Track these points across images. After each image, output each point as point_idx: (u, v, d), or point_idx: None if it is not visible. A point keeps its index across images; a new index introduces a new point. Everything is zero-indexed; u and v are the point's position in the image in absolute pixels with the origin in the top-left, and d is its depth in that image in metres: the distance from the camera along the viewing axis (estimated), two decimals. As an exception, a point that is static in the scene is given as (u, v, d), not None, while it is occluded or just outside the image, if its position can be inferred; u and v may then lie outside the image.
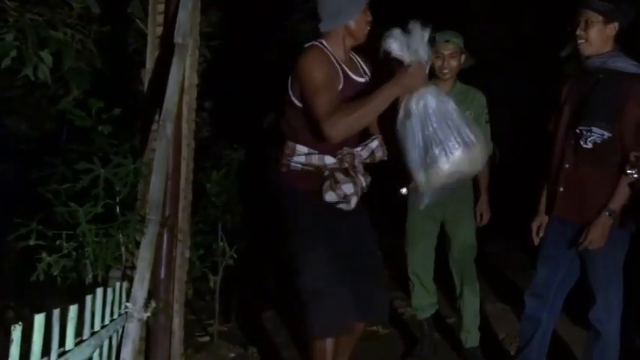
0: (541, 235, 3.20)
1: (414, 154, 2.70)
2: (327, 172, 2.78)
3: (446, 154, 2.65)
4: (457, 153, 2.66)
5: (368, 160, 2.89)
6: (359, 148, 2.86)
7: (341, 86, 2.76)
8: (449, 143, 2.65)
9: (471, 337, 3.72)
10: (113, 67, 3.76)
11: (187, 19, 2.88)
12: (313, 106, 2.65)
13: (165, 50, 2.95)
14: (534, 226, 3.23)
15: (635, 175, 2.83)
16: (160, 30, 3.02)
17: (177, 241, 2.95)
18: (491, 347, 3.88)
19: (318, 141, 2.74)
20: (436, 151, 2.66)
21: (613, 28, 2.95)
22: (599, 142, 2.89)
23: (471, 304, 3.70)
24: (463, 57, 3.59)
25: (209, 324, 4.11)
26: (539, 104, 3.47)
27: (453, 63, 3.55)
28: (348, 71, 2.84)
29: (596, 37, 2.96)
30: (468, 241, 3.68)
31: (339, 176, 2.76)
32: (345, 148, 2.81)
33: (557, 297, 3.16)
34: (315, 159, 2.81)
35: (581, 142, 2.92)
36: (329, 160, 2.80)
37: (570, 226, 3.04)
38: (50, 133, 4.68)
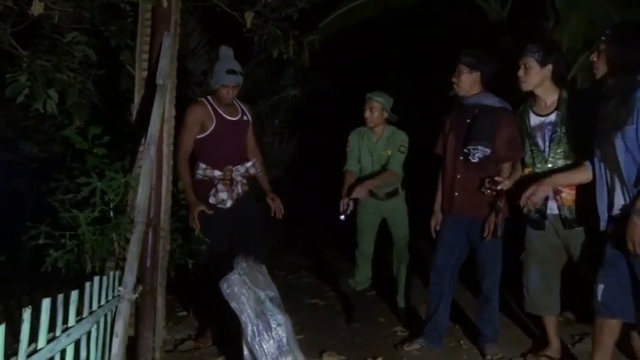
0: (438, 229, 3.26)
1: None
2: (215, 182, 3.25)
3: None
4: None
5: (245, 174, 3.35)
6: (238, 166, 3.31)
7: (215, 122, 3.25)
8: None
9: (402, 300, 3.84)
10: (108, 102, 3.67)
11: (167, 65, 2.85)
12: (178, 136, 3.14)
13: (149, 89, 2.91)
14: (432, 222, 3.29)
15: (489, 192, 2.97)
16: (145, 73, 2.98)
17: (160, 237, 2.89)
18: (416, 309, 3.92)
19: (211, 161, 3.25)
20: None
21: (476, 75, 3.09)
22: (482, 157, 3.01)
23: (403, 276, 3.82)
24: (386, 113, 3.66)
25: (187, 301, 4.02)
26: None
27: (374, 115, 3.63)
28: (222, 114, 3.29)
29: (464, 82, 3.10)
30: (403, 233, 3.78)
31: (220, 187, 3.25)
32: (228, 165, 3.28)
33: (453, 274, 3.22)
34: (209, 172, 3.26)
35: (470, 158, 3.03)
36: (217, 172, 3.26)
37: (464, 221, 3.12)
38: (57, 154, 4.53)
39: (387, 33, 6.61)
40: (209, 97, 3.32)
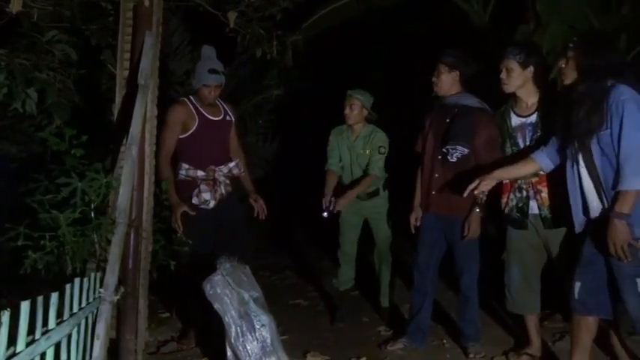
0: (418, 224, 3.28)
1: None
2: (198, 182, 3.23)
3: None
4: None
5: (228, 174, 3.33)
6: (221, 166, 3.30)
7: (197, 122, 3.24)
8: None
9: (386, 299, 3.86)
10: (89, 102, 3.63)
11: (148, 64, 2.83)
12: (160, 136, 3.12)
13: (130, 89, 2.88)
14: (412, 218, 3.32)
15: (478, 210, 3.00)
16: (126, 73, 2.96)
17: (142, 238, 2.87)
18: (399, 308, 3.94)
19: (193, 161, 3.23)
20: None
21: (456, 74, 3.13)
22: (460, 157, 3.03)
23: (386, 276, 3.84)
24: (365, 110, 3.67)
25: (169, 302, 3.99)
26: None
27: (354, 112, 3.65)
28: (205, 113, 3.28)
29: (444, 82, 3.14)
30: (385, 234, 3.78)
31: (203, 187, 3.23)
32: (211, 165, 3.26)
33: (434, 273, 3.25)
34: (192, 172, 3.23)
35: (448, 158, 3.06)
36: (200, 173, 3.24)
37: (442, 219, 3.15)
38: (36, 154, 4.47)
39: (370, 33, 6.64)
40: (191, 97, 3.32)
